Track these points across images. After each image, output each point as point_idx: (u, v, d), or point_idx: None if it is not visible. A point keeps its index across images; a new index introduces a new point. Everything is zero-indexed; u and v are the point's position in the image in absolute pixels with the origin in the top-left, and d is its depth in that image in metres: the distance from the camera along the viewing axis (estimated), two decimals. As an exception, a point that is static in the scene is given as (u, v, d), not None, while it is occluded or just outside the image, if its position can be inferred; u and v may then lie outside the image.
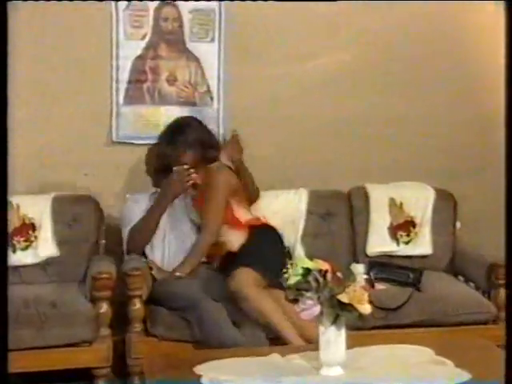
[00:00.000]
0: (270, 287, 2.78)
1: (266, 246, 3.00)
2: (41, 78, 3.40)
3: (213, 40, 3.55)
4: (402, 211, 3.48)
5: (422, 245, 3.47)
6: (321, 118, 3.69)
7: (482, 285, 3.22)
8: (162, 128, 3.40)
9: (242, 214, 3.12)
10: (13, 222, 3.14)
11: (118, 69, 3.47)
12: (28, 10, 3.18)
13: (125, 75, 3.48)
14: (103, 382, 2.86)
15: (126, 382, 2.91)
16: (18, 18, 3.16)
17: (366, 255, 3.42)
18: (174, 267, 3.02)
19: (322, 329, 2.00)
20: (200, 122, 3.28)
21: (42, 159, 3.44)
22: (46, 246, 3.18)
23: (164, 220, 3.14)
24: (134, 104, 3.51)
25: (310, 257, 2.13)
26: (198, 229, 3.17)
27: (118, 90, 3.48)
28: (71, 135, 3.46)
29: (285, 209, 3.41)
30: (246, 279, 2.77)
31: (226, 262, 3.03)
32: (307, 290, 1.98)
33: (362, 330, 2.81)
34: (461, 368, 2.07)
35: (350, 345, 2.06)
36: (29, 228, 3.18)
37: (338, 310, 1.96)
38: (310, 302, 1.97)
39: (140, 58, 3.50)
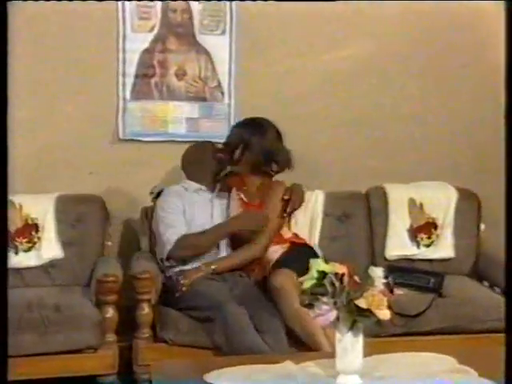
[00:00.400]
0: None
1: (305, 259, 3.01)
2: (44, 74, 3.42)
3: (224, 32, 3.56)
4: (423, 212, 3.47)
5: (443, 248, 3.45)
6: (337, 115, 3.69)
7: (508, 290, 3.19)
8: (170, 124, 3.42)
9: (285, 232, 3.20)
10: (15, 223, 3.16)
11: (124, 63, 3.48)
12: (33, 3, 3.20)
13: (132, 69, 3.49)
14: (109, 390, 2.87)
15: (132, 391, 2.92)
16: (22, 13, 3.19)
17: (385, 259, 3.41)
18: (210, 261, 3.03)
19: (338, 335, 1.99)
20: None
21: (45, 157, 3.46)
22: (49, 248, 3.19)
23: (203, 218, 3.12)
24: (141, 99, 3.52)
25: (327, 260, 2.13)
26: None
27: (124, 84, 3.49)
28: (76, 132, 3.48)
29: (301, 211, 3.41)
30: (289, 279, 2.83)
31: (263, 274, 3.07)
32: (323, 295, 1.97)
33: (380, 337, 2.82)
34: (485, 378, 2.05)
35: (368, 352, 2.05)
36: (32, 229, 3.20)
37: (356, 316, 1.94)
38: (325, 307, 1.96)
39: (147, 51, 3.51)
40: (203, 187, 3.20)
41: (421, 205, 3.48)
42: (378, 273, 2.02)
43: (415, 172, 3.68)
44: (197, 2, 3.52)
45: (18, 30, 3.24)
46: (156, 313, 2.92)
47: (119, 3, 3.43)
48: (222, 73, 3.58)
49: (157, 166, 3.49)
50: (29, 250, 3.18)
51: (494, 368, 2.10)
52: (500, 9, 3.60)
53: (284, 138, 3.27)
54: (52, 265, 3.20)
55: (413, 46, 3.71)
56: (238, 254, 3.12)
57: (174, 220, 3.04)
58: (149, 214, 3.29)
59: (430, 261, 3.44)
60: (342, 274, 1.99)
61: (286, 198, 3.14)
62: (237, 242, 3.15)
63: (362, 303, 1.92)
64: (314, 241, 3.36)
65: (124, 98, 3.50)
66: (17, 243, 3.16)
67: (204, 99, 3.59)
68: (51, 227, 3.21)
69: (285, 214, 3.16)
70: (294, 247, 3.12)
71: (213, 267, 3.01)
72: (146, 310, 2.88)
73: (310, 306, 2.00)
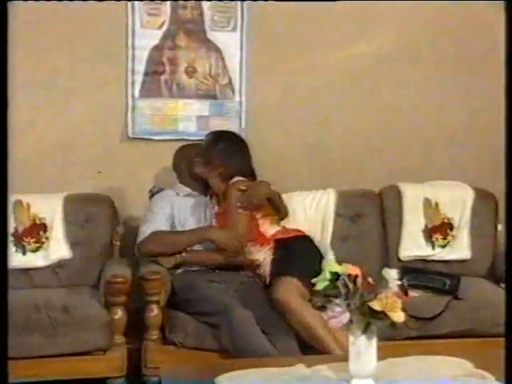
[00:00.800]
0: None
1: (302, 257, 2.99)
2: (52, 72, 3.43)
3: (235, 29, 3.55)
4: (438, 212, 3.45)
5: (459, 249, 3.43)
6: (350, 112, 3.68)
7: (526, 292, 3.17)
8: (180, 123, 3.41)
9: (268, 228, 3.13)
10: (23, 222, 3.17)
11: (133, 60, 3.48)
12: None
13: (141, 66, 3.50)
14: (117, 393, 2.87)
15: (141, 393, 2.92)
16: (30, 9, 3.20)
17: (399, 260, 3.40)
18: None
19: (351, 338, 1.98)
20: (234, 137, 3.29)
21: (53, 156, 3.47)
22: (57, 248, 3.20)
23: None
24: (150, 97, 3.53)
25: (339, 261, 2.11)
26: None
27: (133, 82, 3.50)
28: (84, 131, 3.49)
29: (312, 210, 3.40)
30: (291, 288, 2.81)
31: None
32: (336, 297, 1.96)
33: (394, 340, 2.80)
34: (502, 382, 2.03)
35: (382, 356, 2.03)
36: (40, 228, 3.20)
37: (369, 318, 1.93)
38: (338, 309, 1.95)
39: (157, 48, 3.51)
40: (195, 192, 3.23)
41: (436, 204, 3.46)
42: (392, 274, 2.00)
43: (430, 171, 3.66)
44: (207, -1, 3.52)
45: (27, 28, 3.27)
46: (165, 315, 2.92)
47: (128, -1, 3.44)
48: (233, 70, 3.58)
49: (166, 165, 3.48)
50: (36, 250, 3.19)
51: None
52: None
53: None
54: (60, 265, 3.21)
55: (429, 43, 3.69)
56: (208, 253, 3.10)
57: (156, 219, 3.10)
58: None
59: (446, 262, 3.42)
60: (356, 276, 1.98)
61: (241, 188, 3.08)
62: None
63: (375, 305, 1.91)
64: (326, 241, 3.34)
65: (133, 96, 3.51)
66: (24, 243, 3.17)
67: (214, 97, 3.58)
68: (59, 227, 3.22)
69: (239, 205, 3.05)
70: (282, 246, 3.05)
71: (183, 254, 3.01)
72: (154, 311, 2.88)
73: (323, 307, 1.99)
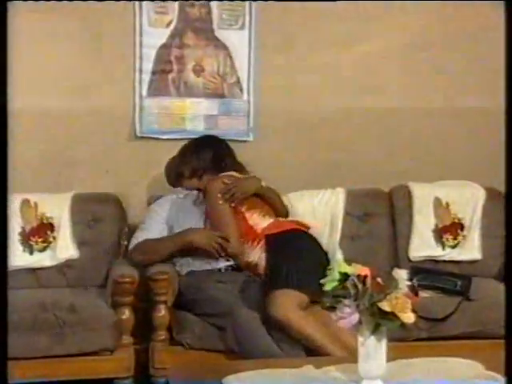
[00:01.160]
0: (313, 304, 2.76)
1: (294, 257, 2.91)
2: (58, 70, 3.43)
3: (243, 27, 3.55)
4: (449, 212, 3.44)
5: (470, 249, 3.42)
6: (359, 110, 3.67)
7: (538, 293, 3.15)
8: (187, 122, 3.42)
9: (258, 220, 3.06)
10: (30, 222, 3.18)
11: (141, 58, 3.48)
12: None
13: (149, 65, 3.50)
14: (124, 394, 2.88)
15: (148, 394, 2.92)
16: (37, 7, 3.21)
17: (409, 260, 3.38)
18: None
19: (360, 339, 1.97)
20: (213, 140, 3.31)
21: (60, 155, 3.47)
22: (64, 248, 3.21)
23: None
24: (158, 96, 3.53)
25: (348, 261, 2.11)
26: None
27: (141, 81, 3.50)
28: (91, 129, 3.50)
29: (321, 210, 3.40)
30: (286, 303, 2.73)
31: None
32: (345, 297, 1.95)
33: (404, 341, 2.79)
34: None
35: (392, 357, 2.03)
36: (47, 228, 3.21)
37: (379, 319, 1.93)
38: (347, 309, 1.94)
39: (165, 46, 3.51)
40: (194, 192, 3.24)
41: (447, 204, 3.44)
42: (401, 274, 2.00)
43: (441, 170, 3.65)
44: (215, -4, 3.52)
45: (35, 25, 3.28)
46: (172, 315, 2.92)
47: (136, -3, 3.44)
48: (241, 69, 3.57)
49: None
50: (44, 249, 3.20)
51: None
52: None
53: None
54: (67, 265, 3.22)
55: (444, 40, 3.67)
56: None
57: (151, 226, 3.12)
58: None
59: (457, 262, 3.41)
60: (365, 276, 1.97)
61: (225, 181, 3.07)
62: None
63: (385, 306, 1.91)
64: (335, 240, 3.33)
65: (141, 95, 3.51)
66: (32, 243, 3.18)
67: (222, 96, 3.58)
68: (67, 227, 3.23)
69: (220, 197, 3.02)
70: (273, 242, 2.98)
71: (229, 251, 2.99)
72: (162, 311, 2.89)
73: (332, 308, 1.99)
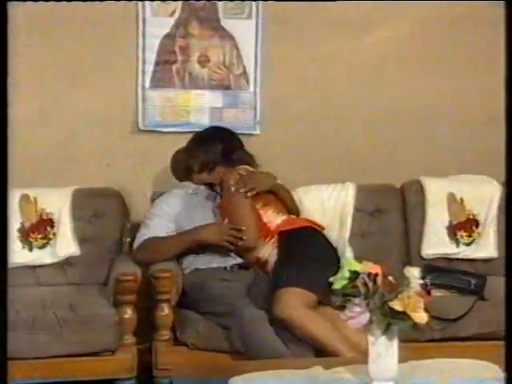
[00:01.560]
0: (321, 304, 2.76)
1: (302, 255, 2.93)
2: (59, 61, 3.44)
3: (249, 16, 3.54)
4: (463, 208, 3.43)
5: (485, 247, 3.41)
6: (370, 103, 3.66)
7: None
8: (192, 114, 3.42)
9: (272, 218, 3.09)
10: (29, 218, 3.19)
11: (144, 48, 3.49)
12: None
13: (152, 56, 3.50)
14: (127, 395, 2.88)
15: (151, 395, 2.93)
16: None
17: (421, 258, 3.37)
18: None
19: (371, 339, 1.97)
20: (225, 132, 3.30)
21: (61, 149, 3.48)
22: (65, 244, 3.21)
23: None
24: (161, 88, 3.53)
25: (359, 258, 2.10)
26: None
27: (144, 72, 3.50)
28: (93, 123, 3.50)
29: (330, 205, 3.39)
30: (292, 301, 2.73)
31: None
32: (355, 296, 1.95)
33: (416, 342, 2.78)
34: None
35: (404, 358, 2.03)
36: (47, 224, 3.22)
37: (390, 319, 1.92)
38: (357, 309, 1.94)
39: (169, 36, 3.51)
40: (202, 187, 3.23)
41: (461, 200, 3.43)
42: (414, 273, 1.99)
43: (455, 164, 3.64)
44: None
45: (35, 17, 3.28)
46: (176, 315, 2.92)
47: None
48: (248, 59, 3.57)
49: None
50: (43, 246, 3.21)
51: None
52: None
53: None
54: (68, 262, 3.22)
55: (453, 30, 3.65)
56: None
57: (155, 223, 3.10)
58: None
59: (471, 261, 3.40)
60: (376, 274, 1.97)
61: (241, 173, 3.07)
62: None
63: (396, 305, 1.90)
64: (344, 237, 3.33)
65: (143, 87, 3.51)
66: (31, 239, 3.19)
67: (228, 87, 3.58)
68: (67, 223, 3.23)
69: (236, 188, 3.02)
70: (285, 239, 3.00)
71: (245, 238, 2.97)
72: (165, 310, 2.88)
73: (342, 307, 1.99)
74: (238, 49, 3.57)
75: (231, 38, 3.55)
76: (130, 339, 2.88)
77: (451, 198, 3.44)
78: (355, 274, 1.97)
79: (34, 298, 2.90)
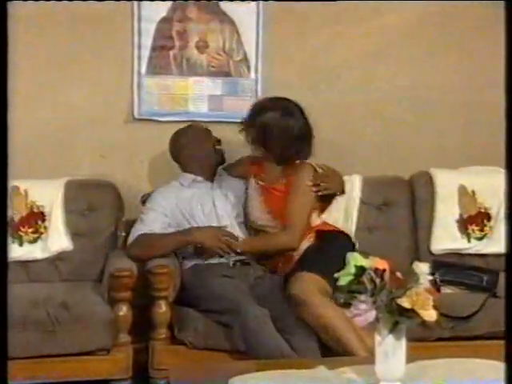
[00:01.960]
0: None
1: (333, 252, 2.94)
2: (51, 47, 3.43)
3: (250, -1, 3.53)
4: (475, 201, 3.44)
5: (498, 241, 3.40)
6: (377, 92, 3.66)
7: None
8: (190, 102, 3.42)
9: (314, 219, 3.15)
10: (20, 211, 3.20)
11: (139, 33, 3.48)
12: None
13: (148, 41, 3.49)
14: (122, 396, 2.89)
15: (148, 396, 2.94)
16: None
17: (431, 253, 3.39)
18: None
19: (378, 338, 1.97)
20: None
21: (52, 139, 3.48)
22: (57, 239, 3.22)
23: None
24: (158, 75, 3.53)
25: (365, 253, 2.10)
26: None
27: (140, 58, 3.50)
28: (86, 111, 3.50)
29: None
30: (310, 284, 2.80)
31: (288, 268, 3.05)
32: (361, 293, 1.95)
33: (425, 341, 2.79)
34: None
35: (412, 358, 2.03)
36: (38, 217, 3.22)
37: (398, 317, 1.93)
38: (363, 306, 1.94)
39: (165, 20, 3.50)
40: (199, 178, 3.23)
41: (472, 192, 3.44)
42: (423, 269, 1.99)
43: (466, 155, 3.63)
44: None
45: (28, 5, 3.27)
46: (173, 312, 2.93)
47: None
48: (249, 45, 3.57)
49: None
50: (34, 241, 3.21)
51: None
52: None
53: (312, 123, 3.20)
54: (60, 258, 3.23)
55: (462, 18, 3.64)
56: (263, 238, 3.14)
57: (150, 218, 3.12)
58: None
59: (482, 256, 3.41)
60: (383, 270, 1.97)
61: (317, 169, 3.10)
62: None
63: (404, 302, 1.91)
64: (350, 231, 3.33)
65: (139, 73, 3.51)
66: (21, 233, 3.19)
67: (228, 74, 3.58)
68: (59, 216, 3.24)
69: (311, 184, 3.06)
70: (321, 237, 3.08)
71: (238, 250, 3.03)
72: (162, 308, 2.89)
73: (347, 305, 1.99)
74: (238, 33, 3.57)
75: (231, 22, 3.55)
76: (125, 338, 2.89)
77: (462, 190, 3.44)
78: (361, 270, 1.97)
79: (25, 295, 2.90)
